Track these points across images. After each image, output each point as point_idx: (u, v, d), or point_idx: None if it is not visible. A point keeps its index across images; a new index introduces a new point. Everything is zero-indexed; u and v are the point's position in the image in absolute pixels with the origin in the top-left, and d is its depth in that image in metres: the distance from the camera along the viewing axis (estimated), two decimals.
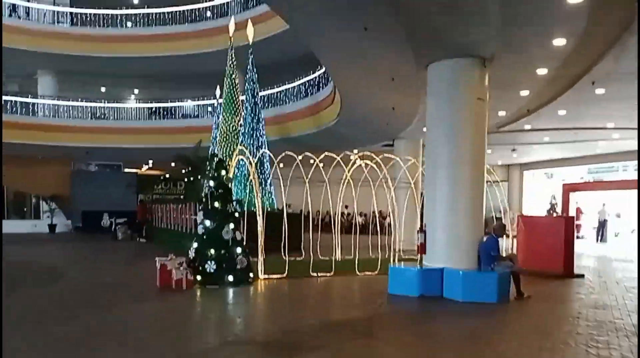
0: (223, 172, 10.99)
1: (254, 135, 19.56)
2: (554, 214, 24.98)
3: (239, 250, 10.65)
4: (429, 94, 10.36)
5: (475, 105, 9.86)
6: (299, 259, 13.24)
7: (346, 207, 24.73)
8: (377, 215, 25.27)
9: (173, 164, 30.30)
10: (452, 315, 8.13)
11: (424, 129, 18.75)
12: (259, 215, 11.53)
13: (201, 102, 28.12)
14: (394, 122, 17.13)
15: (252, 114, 19.64)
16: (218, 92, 24.11)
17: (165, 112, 29.69)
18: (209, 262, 10.40)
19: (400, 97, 13.34)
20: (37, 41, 26.14)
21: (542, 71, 10.88)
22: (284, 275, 11.51)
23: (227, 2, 27.83)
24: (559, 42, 9.12)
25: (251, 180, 17.11)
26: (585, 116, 15.66)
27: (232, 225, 10.71)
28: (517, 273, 9.46)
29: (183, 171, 25.41)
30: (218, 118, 23.44)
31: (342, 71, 12.22)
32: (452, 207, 9.74)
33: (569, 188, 26.67)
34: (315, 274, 11.86)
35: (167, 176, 31.12)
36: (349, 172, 13.65)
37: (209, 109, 28.23)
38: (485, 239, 9.78)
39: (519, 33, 8.77)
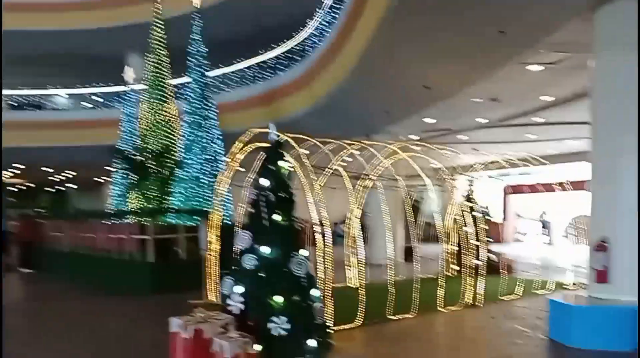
0: (283, 165, 6.61)
1: (204, 126, 14.84)
2: None
3: (315, 292, 6.40)
4: (600, 52, 7.16)
5: None
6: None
7: None
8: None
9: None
10: None
11: (424, 119, 16.02)
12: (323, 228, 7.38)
13: (103, 89, 22.18)
14: (400, 109, 13.77)
15: (201, 99, 14.92)
16: (130, 75, 18.78)
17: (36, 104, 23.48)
18: (275, 318, 6.01)
19: (469, 65, 10.02)
20: None
21: None
22: (356, 321, 7.48)
23: None
24: None
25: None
26: None
27: (304, 252, 6.43)
28: None
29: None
30: (132, 108, 18.15)
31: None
32: None
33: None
34: (394, 317, 7.95)
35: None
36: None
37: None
38: None
39: None
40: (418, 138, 18.40)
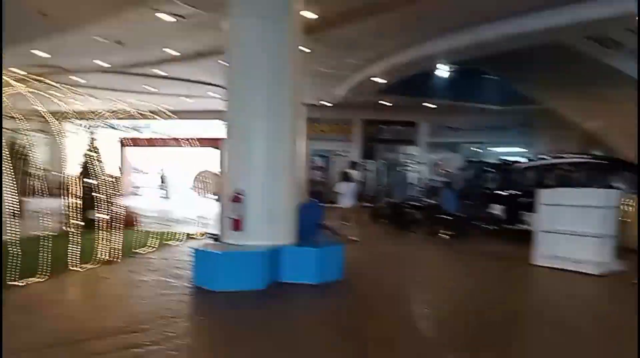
0: None
1: None
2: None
3: None
4: (233, 14, 7.60)
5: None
6: None
7: None
8: None
9: None
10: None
11: (35, 51, 13.31)
12: None
13: None
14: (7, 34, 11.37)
15: None
16: None
17: None
18: None
19: None
20: None
21: None
22: None
23: None
24: None
25: None
26: None
27: None
28: None
29: None
30: None
31: None
32: (273, 166, 7.58)
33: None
34: (19, 283, 6.65)
35: None
36: None
37: None
38: (305, 205, 8.16)
39: None
40: (24, 72, 15.85)
